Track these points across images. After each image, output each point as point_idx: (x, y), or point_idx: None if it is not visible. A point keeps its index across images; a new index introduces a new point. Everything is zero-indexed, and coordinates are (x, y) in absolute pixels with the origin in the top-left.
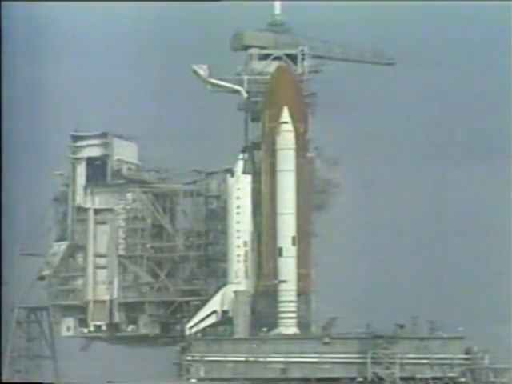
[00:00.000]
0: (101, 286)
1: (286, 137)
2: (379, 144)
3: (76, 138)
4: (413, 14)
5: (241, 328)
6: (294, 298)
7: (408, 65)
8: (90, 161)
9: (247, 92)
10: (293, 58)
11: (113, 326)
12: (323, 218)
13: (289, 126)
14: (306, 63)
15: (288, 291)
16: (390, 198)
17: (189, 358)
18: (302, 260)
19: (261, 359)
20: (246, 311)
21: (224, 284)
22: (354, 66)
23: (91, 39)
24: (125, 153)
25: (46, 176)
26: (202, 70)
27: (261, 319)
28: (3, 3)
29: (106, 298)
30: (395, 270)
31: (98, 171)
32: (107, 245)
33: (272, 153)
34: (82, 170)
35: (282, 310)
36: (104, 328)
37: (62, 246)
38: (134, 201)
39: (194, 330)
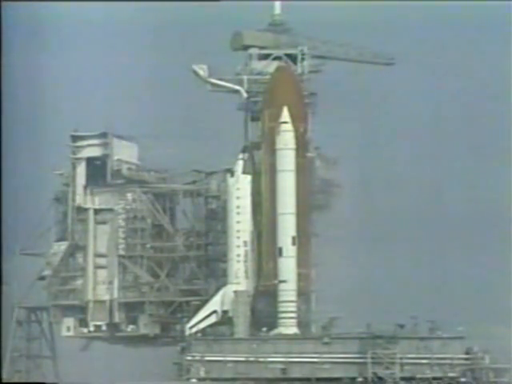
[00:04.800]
0: (101, 286)
1: (286, 137)
2: (379, 144)
3: (76, 138)
4: (413, 14)
5: (241, 328)
6: (294, 298)
7: (408, 65)
8: (89, 161)
9: (247, 92)
10: (293, 58)
11: (113, 326)
12: (323, 218)
13: (289, 126)
14: (305, 63)
15: (288, 291)
16: (389, 198)
17: (189, 358)
18: (302, 260)
19: (261, 359)
20: (246, 311)
21: (224, 284)
22: (353, 66)
23: (91, 39)
24: (125, 153)
25: (46, 176)
26: (202, 70)
27: (261, 319)
28: (3, 3)
29: (106, 298)
30: (395, 270)
31: (98, 171)
32: (107, 245)
33: (272, 153)
34: (82, 170)
35: (282, 309)
36: (104, 328)
37: (62, 246)
38: (134, 201)
39: (194, 329)
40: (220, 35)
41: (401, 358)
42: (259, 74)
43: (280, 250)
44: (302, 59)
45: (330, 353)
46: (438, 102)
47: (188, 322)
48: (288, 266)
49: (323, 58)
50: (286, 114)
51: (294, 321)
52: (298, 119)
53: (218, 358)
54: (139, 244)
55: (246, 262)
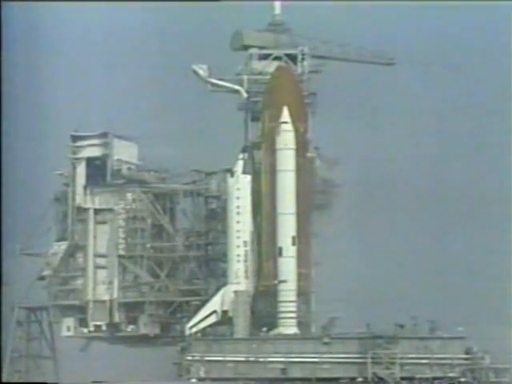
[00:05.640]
0: (101, 286)
1: (286, 137)
2: (379, 144)
3: (76, 138)
4: (413, 14)
5: (241, 328)
6: (293, 298)
7: (408, 65)
8: (90, 161)
9: (247, 92)
10: (293, 58)
11: (113, 326)
12: (323, 218)
13: (289, 126)
14: (306, 63)
15: (288, 291)
16: (389, 198)
17: (189, 358)
18: (302, 260)
19: (261, 359)
20: (246, 311)
21: (224, 284)
22: (353, 66)
23: (91, 39)
24: (125, 153)
25: (45, 176)
26: (202, 70)
27: (261, 319)
28: (3, 3)
29: (106, 298)
30: (395, 270)
31: (98, 171)
32: (107, 245)
33: (272, 153)
34: (81, 170)
35: (282, 310)
36: (104, 328)
37: (62, 246)
38: (134, 201)
39: (194, 329)
40: (220, 35)
41: (401, 358)
42: (259, 74)
43: (280, 249)
44: (302, 59)
45: (330, 353)
46: (439, 102)
47: (188, 322)
48: (288, 266)
49: (323, 58)
50: (286, 114)
51: (293, 321)
52: (298, 119)
53: (218, 358)
54: (139, 244)
55: (246, 261)
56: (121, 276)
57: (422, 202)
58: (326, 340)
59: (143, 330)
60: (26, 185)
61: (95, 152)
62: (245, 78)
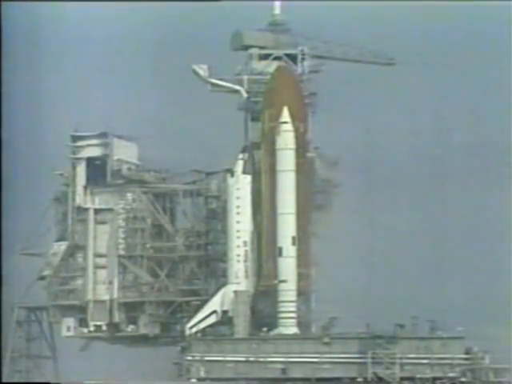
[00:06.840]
0: (101, 285)
1: (286, 137)
2: (379, 144)
3: (76, 138)
4: (413, 13)
5: (241, 328)
6: (293, 298)
7: (408, 65)
8: (89, 161)
9: (247, 92)
10: (293, 57)
11: (113, 326)
12: (323, 218)
13: (289, 126)
14: (306, 63)
15: (288, 291)
16: (389, 198)
17: (189, 358)
18: (302, 260)
19: (261, 359)
20: (246, 311)
21: (224, 284)
22: (353, 66)
23: (91, 39)
24: (125, 153)
25: (46, 176)
26: (202, 70)
27: (261, 319)
28: (3, 3)
29: (106, 298)
30: (395, 270)
31: (98, 171)
32: (107, 245)
33: (272, 153)
34: (81, 170)
35: (282, 309)
36: (104, 328)
37: (62, 246)
38: (134, 201)
39: (194, 329)
40: (220, 35)
41: (401, 358)
42: (259, 74)
43: (280, 249)
44: (302, 59)
45: (330, 353)
46: (438, 102)
47: (188, 322)
48: (288, 266)
49: (323, 58)
50: (286, 114)
51: (293, 321)
52: (298, 119)
53: (218, 358)
54: (139, 244)
55: (245, 262)
56: (121, 276)
57: (422, 203)
58: (326, 340)
59: (143, 330)
60: (26, 185)
61: (95, 152)
62: (245, 78)
